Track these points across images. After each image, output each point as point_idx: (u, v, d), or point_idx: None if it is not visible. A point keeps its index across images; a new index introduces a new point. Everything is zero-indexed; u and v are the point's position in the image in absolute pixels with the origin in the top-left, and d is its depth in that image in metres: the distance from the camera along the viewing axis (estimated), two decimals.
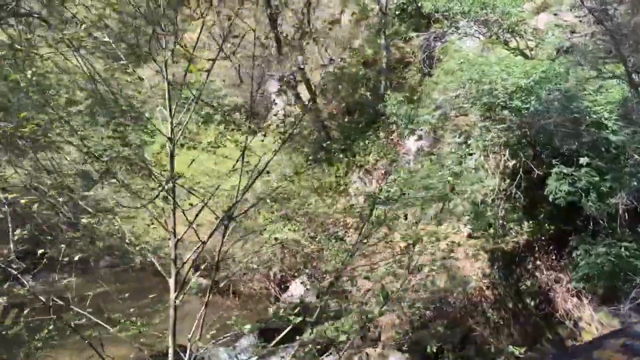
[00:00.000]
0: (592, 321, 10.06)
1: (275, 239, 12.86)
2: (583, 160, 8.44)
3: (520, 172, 10.20)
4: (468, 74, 8.48)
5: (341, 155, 15.22)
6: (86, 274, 15.55)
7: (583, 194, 8.47)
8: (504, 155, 10.73)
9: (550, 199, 8.75)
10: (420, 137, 13.49)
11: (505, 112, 8.59)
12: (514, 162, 10.99)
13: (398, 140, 14.56)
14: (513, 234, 11.34)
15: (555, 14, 11.77)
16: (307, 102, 15.48)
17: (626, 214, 8.91)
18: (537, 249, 11.07)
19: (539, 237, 11.20)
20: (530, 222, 11.24)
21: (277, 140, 6.18)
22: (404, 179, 8.80)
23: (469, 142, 9.52)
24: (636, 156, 7.90)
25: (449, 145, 10.40)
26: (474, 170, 9.11)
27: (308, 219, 14.56)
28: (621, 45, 7.01)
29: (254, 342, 11.64)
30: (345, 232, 14.35)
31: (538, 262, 10.92)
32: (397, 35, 16.14)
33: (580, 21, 10.97)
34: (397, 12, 16.87)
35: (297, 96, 15.56)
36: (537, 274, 10.83)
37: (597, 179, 8.21)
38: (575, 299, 10.27)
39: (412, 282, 12.72)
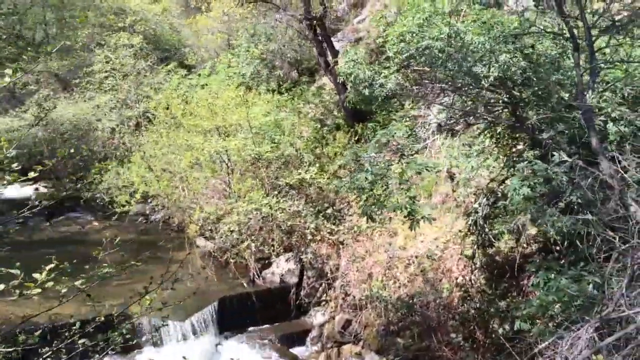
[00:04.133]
0: None
1: (257, 209, 11.83)
2: (557, 156, 5.97)
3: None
4: (408, 26, 6.34)
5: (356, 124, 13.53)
6: (107, 219, 15.92)
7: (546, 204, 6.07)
8: (504, 140, 8.32)
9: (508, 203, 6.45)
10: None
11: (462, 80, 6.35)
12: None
13: (420, 112, 12.39)
14: (512, 239, 8.94)
15: None
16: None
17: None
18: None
19: (547, 247, 8.66)
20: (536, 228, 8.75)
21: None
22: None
23: (430, 120, 7.38)
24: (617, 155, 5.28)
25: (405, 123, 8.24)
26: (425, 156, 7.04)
27: (317, 191, 13.28)
28: None
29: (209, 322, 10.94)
30: (349, 209, 12.80)
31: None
32: None
33: None
34: None
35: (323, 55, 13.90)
36: (529, 293, 8.42)
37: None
38: None
39: (400, 279, 10.98)
